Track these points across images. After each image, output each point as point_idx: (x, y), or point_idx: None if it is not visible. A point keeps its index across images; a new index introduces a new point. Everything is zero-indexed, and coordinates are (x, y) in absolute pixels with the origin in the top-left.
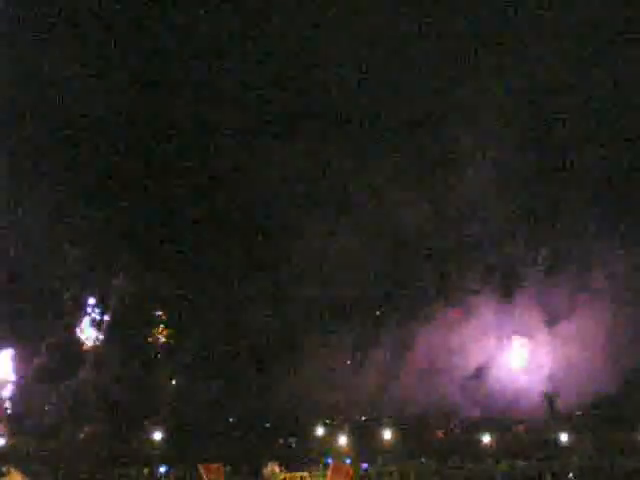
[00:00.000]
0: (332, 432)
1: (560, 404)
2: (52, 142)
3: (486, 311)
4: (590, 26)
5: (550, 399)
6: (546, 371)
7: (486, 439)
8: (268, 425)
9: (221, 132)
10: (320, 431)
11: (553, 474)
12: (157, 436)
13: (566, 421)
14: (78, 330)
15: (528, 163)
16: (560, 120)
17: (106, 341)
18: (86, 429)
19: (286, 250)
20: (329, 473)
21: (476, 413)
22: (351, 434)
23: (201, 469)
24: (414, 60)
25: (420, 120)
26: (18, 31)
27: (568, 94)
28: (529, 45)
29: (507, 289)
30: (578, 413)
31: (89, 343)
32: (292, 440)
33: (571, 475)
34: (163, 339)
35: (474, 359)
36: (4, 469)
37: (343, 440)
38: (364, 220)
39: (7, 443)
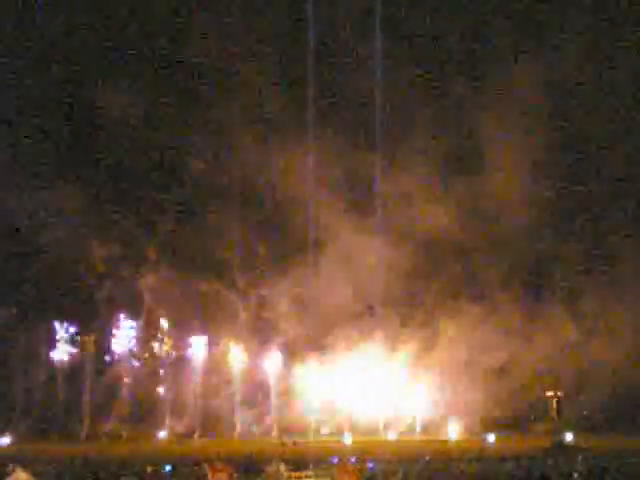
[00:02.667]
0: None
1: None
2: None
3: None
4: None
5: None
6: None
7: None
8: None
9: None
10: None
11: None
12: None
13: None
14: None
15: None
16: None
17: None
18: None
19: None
20: (335, 473)
21: (496, 412)
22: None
23: (207, 469)
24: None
25: (447, 115)
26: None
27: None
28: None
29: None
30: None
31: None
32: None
33: (576, 475)
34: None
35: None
36: (9, 468)
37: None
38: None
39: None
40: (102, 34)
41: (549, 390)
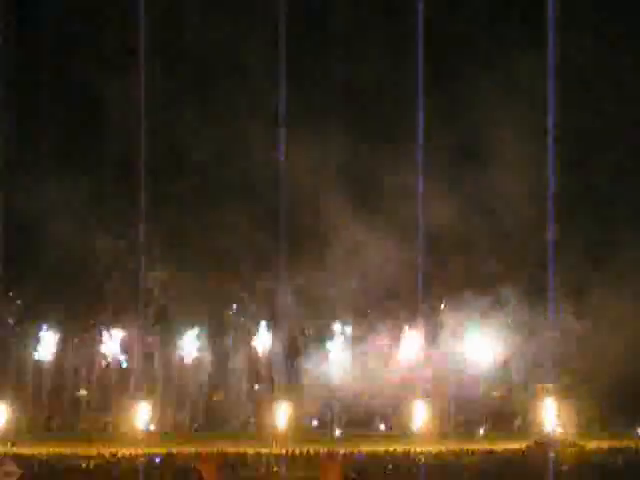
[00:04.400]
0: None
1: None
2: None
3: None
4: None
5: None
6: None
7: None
8: None
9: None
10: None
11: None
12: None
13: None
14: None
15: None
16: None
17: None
18: None
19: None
20: (322, 465)
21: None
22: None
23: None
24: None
25: (449, 107)
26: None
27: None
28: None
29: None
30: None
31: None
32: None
33: (565, 470)
34: None
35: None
36: None
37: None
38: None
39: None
40: (106, 24)
41: (540, 384)
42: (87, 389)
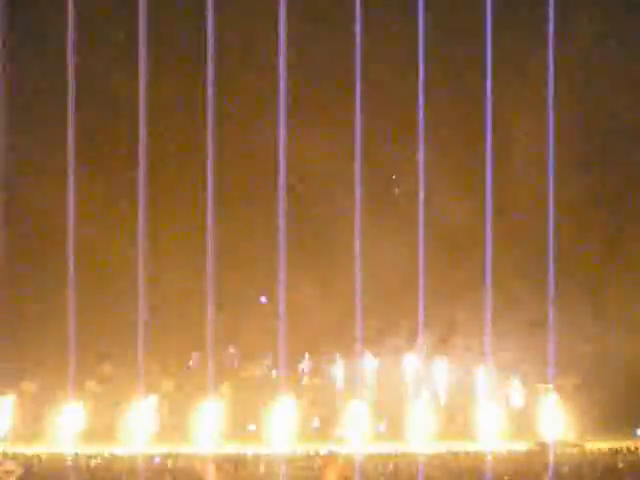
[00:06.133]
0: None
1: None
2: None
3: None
4: None
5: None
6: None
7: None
8: None
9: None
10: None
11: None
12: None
13: None
14: None
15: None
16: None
17: None
18: None
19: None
20: (322, 467)
21: None
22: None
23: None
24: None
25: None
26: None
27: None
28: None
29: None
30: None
31: None
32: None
33: (566, 471)
34: None
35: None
36: None
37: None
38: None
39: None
40: (121, 21)
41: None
42: None
